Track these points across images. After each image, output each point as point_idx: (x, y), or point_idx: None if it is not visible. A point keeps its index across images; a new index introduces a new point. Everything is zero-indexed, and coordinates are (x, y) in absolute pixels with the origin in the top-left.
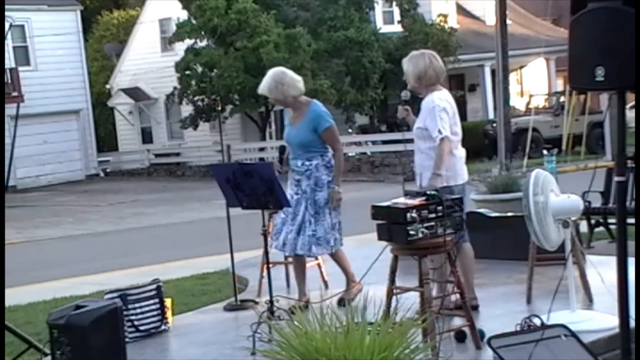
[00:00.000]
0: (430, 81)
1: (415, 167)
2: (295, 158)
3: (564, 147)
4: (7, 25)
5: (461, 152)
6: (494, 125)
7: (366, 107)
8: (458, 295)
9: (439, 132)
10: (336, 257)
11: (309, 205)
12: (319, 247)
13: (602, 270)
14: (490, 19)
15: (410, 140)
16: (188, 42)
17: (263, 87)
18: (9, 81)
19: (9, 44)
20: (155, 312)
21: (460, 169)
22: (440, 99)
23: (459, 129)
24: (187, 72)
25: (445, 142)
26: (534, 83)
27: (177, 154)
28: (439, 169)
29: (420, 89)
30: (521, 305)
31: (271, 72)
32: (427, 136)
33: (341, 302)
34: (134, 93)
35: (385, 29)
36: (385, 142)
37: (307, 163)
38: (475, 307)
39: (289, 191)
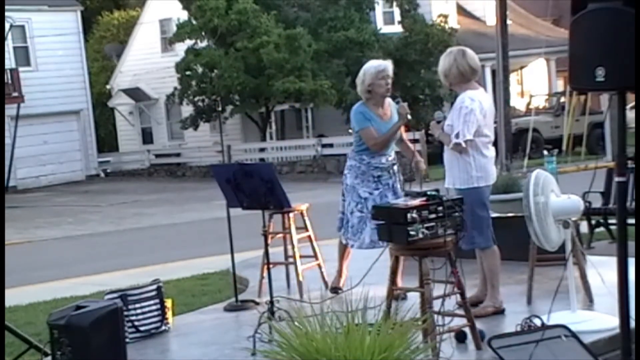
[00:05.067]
0: (455, 80)
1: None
2: (381, 155)
3: (564, 147)
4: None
5: (491, 153)
6: (495, 125)
7: None
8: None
9: (457, 136)
10: None
11: (394, 193)
12: None
13: (602, 270)
14: (491, 19)
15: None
16: (188, 42)
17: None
18: (10, 81)
19: (9, 45)
20: (155, 313)
21: (491, 169)
22: (472, 100)
23: (490, 131)
24: (188, 73)
25: (456, 148)
26: (535, 83)
27: (178, 155)
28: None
29: (454, 87)
30: (521, 306)
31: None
32: None
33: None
34: (135, 93)
35: (385, 29)
36: None
37: (391, 158)
38: (502, 311)
39: (365, 189)
